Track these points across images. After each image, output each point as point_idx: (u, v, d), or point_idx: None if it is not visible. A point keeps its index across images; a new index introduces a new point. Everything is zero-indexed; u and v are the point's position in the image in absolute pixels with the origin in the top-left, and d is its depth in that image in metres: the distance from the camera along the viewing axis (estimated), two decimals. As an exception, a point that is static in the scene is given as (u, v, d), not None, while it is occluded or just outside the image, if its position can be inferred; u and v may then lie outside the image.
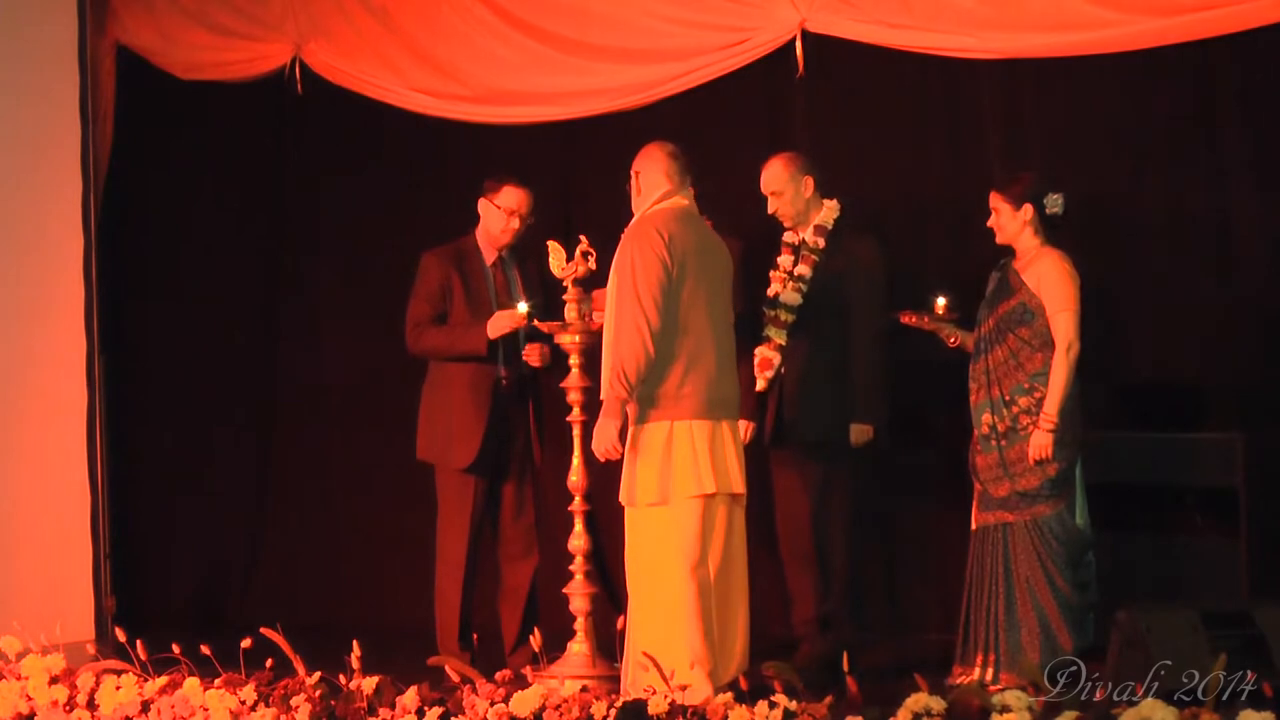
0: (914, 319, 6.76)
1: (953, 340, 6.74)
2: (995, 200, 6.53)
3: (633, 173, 6.33)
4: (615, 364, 6.07)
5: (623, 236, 6.24)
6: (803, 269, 6.92)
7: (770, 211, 6.95)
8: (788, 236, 7.02)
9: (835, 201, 6.99)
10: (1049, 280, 6.39)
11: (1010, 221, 6.49)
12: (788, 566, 7.00)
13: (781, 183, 6.94)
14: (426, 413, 7.18)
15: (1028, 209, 6.45)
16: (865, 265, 6.91)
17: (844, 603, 6.90)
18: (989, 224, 6.54)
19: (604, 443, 6.15)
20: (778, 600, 7.14)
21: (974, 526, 6.53)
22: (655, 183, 6.26)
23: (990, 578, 6.41)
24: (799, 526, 6.90)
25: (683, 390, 6.06)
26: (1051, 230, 6.48)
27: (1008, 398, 6.40)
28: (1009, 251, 6.56)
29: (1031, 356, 6.39)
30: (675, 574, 6.04)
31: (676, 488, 6.06)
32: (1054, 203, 6.47)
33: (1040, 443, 6.31)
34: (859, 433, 6.87)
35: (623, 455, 6.17)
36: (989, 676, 6.30)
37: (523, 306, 6.80)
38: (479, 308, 7.06)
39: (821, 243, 6.93)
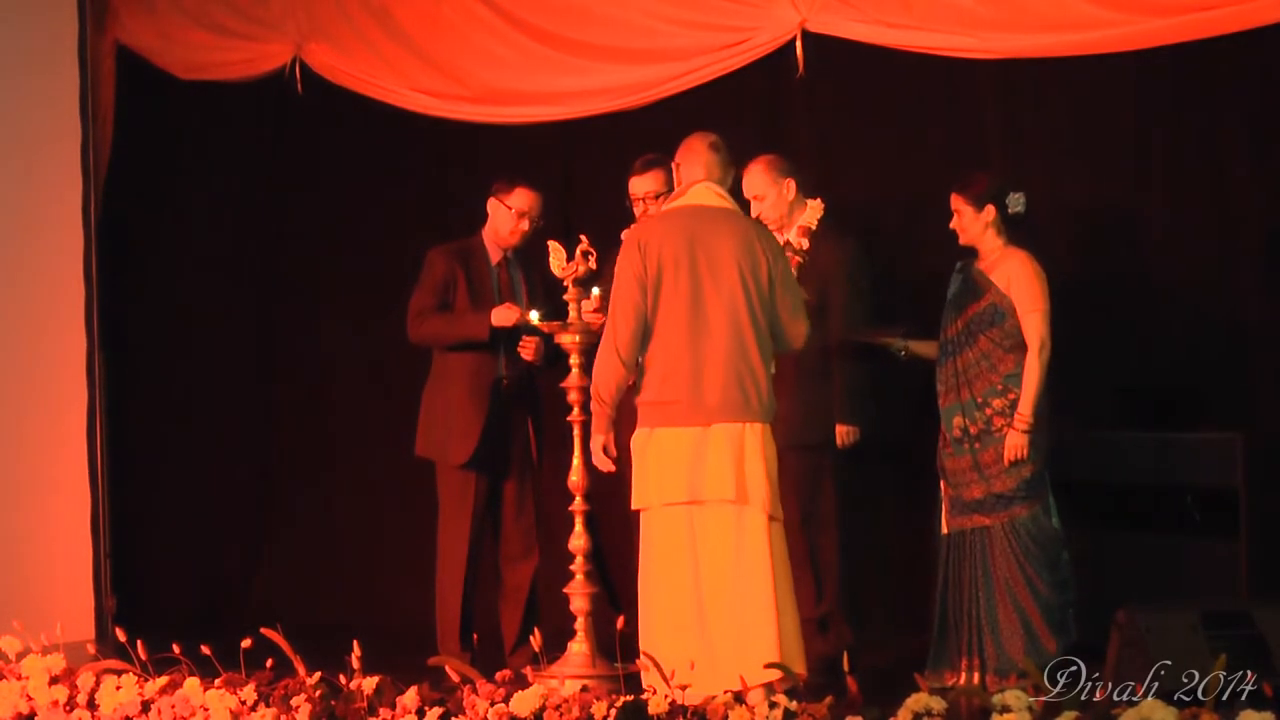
0: (859, 337, 6.78)
1: (904, 353, 6.73)
2: (957, 203, 6.53)
3: (674, 166, 6.30)
4: (593, 381, 6.19)
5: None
6: None
7: (753, 215, 6.92)
8: None
9: (819, 201, 6.96)
10: (1018, 281, 6.39)
11: (973, 223, 6.50)
12: None
13: (763, 187, 6.91)
14: (427, 409, 7.19)
15: (990, 210, 6.46)
16: (847, 267, 6.90)
17: (840, 603, 6.89)
18: (951, 225, 6.55)
19: (595, 457, 6.32)
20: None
21: (945, 530, 6.53)
22: (689, 176, 6.20)
23: (970, 583, 6.41)
24: (789, 529, 6.86)
25: (663, 397, 6.03)
26: (1014, 229, 6.48)
27: (980, 400, 6.40)
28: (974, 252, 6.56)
29: (1003, 358, 6.39)
30: (653, 578, 6.06)
31: (650, 494, 6.06)
32: (1016, 202, 6.47)
33: (1016, 443, 6.31)
34: (844, 434, 6.86)
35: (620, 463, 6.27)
36: (974, 682, 6.29)
37: (534, 315, 6.76)
38: (482, 306, 7.06)
39: (805, 243, 6.90)
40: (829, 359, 6.84)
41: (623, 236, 7.14)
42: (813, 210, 6.95)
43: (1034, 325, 6.35)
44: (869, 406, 6.92)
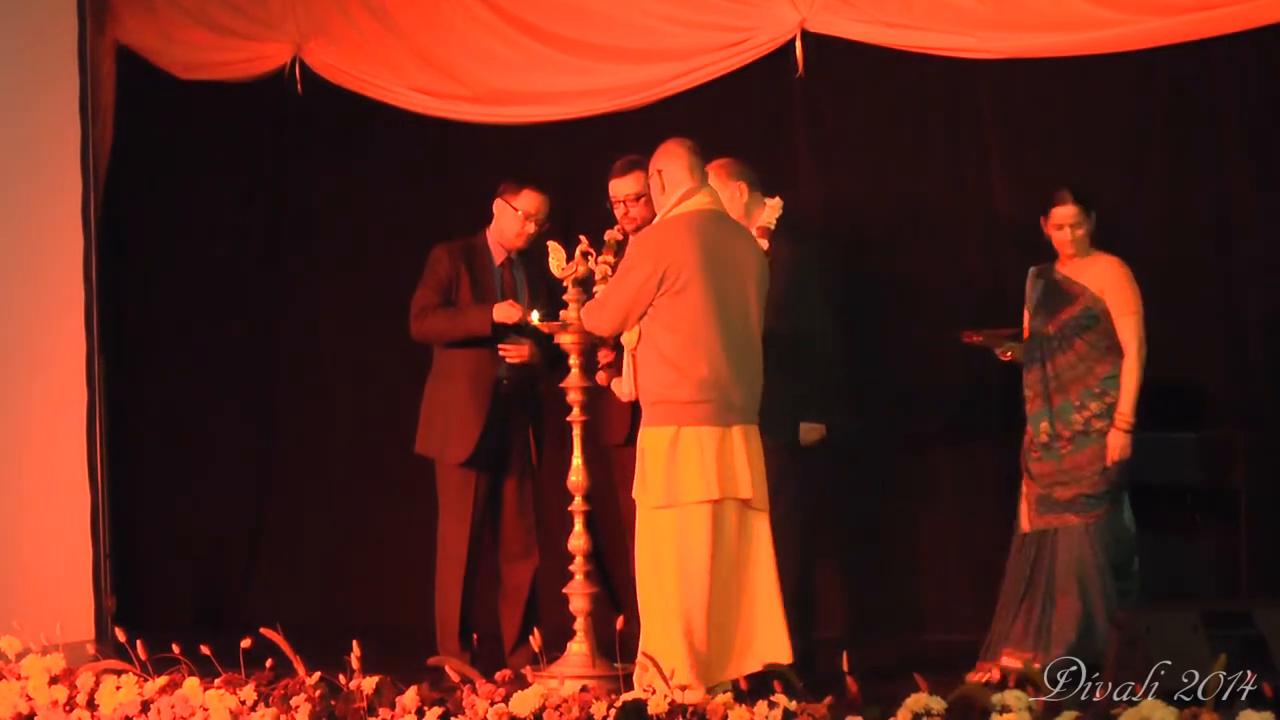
0: (976, 338, 6.76)
1: (1007, 355, 6.72)
2: (1077, 215, 6.48)
3: (654, 171, 6.30)
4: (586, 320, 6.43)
5: (642, 233, 6.31)
6: None
7: None
8: None
9: (778, 200, 6.92)
10: (1113, 285, 6.46)
11: (1086, 229, 6.51)
12: None
13: (716, 190, 6.86)
14: (427, 407, 7.18)
15: (1093, 216, 6.51)
16: (806, 264, 6.87)
17: (794, 603, 6.78)
18: (1066, 239, 6.49)
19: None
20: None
21: (1025, 529, 6.51)
22: (678, 180, 6.23)
23: (1046, 580, 6.41)
24: None
25: (695, 399, 6.06)
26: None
27: (1076, 403, 6.44)
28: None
29: (1100, 360, 6.46)
30: (680, 576, 6.05)
31: (683, 492, 6.07)
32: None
33: (1118, 443, 6.39)
34: (808, 431, 6.83)
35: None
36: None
37: (535, 316, 6.76)
38: (485, 305, 7.05)
39: (765, 244, 6.88)
40: (794, 357, 6.80)
41: (605, 238, 7.14)
42: (771, 210, 6.91)
43: (1130, 328, 6.43)
44: (835, 405, 6.88)
